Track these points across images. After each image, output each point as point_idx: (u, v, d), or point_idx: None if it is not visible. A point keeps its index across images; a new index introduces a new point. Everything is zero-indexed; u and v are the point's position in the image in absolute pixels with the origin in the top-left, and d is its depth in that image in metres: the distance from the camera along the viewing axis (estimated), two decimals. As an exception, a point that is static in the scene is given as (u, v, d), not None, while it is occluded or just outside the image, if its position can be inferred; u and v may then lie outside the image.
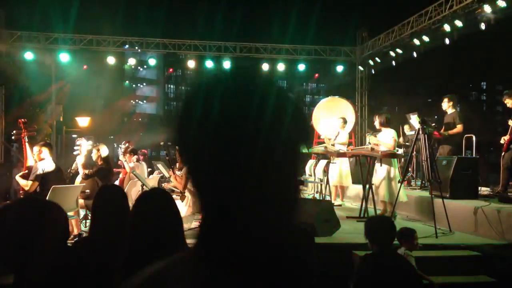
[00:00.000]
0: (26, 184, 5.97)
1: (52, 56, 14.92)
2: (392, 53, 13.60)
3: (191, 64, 15.25)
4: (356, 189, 9.09)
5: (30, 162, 6.29)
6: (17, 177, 6.20)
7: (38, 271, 1.51)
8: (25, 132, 6.50)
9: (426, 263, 4.78)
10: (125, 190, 5.36)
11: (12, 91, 15.42)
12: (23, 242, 1.48)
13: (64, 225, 1.62)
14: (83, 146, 6.97)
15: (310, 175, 10.07)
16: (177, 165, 8.53)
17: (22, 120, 6.66)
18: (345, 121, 9.14)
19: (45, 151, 6.18)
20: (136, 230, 2.11)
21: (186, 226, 6.74)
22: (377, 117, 7.39)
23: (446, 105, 8.31)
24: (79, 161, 6.96)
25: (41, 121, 15.72)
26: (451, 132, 7.98)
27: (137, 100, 47.30)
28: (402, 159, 9.83)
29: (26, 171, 6.20)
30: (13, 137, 14.02)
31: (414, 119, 8.70)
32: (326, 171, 8.69)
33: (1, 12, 13.67)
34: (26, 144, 6.47)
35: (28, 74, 15.14)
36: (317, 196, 9.36)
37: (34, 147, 6.28)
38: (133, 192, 7.38)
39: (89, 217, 7.08)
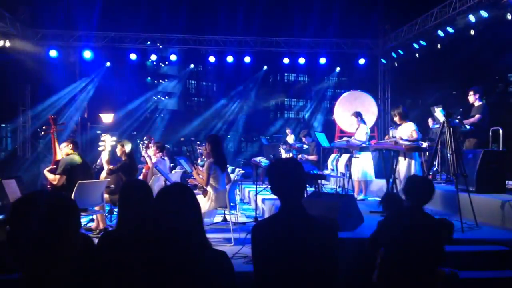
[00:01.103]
0: (54, 178, 6.09)
1: (76, 54, 15.19)
2: (415, 45, 13.38)
3: (212, 59, 15.31)
4: (379, 183, 9.00)
5: (59, 157, 6.42)
6: (45, 172, 6.33)
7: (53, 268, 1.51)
8: (54, 128, 6.63)
9: (452, 257, 4.72)
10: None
11: (37, 89, 15.75)
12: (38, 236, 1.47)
13: (77, 220, 1.62)
14: (107, 142, 7.08)
15: (333, 170, 10.03)
16: (199, 160, 8.60)
17: (52, 116, 6.80)
18: (357, 115, 8.99)
19: (72, 148, 6.30)
20: (156, 223, 2.13)
21: (208, 220, 6.81)
22: (393, 112, 7.32)
23: (473, 98, 8.15)
24: (104, 157, 7.07)
25: (66, 118, 16.02)
26: (466, 122, 7.82)
27: (159, 96, 47.69)
28: (427, 152, 9.70)
29: (54, 166, 6.33)
30: (42, 133, 14.36)
31: (439, 112, 8.56)
32: (348, 166, 8.62)
33: (26, 11, 13.93)
34: (55, 139, 6.60)
35: (53, 72, 15.43)
36: (339, 190, 9.31)
37: (62, 144, 6.41)
38: (156, 187, 7.46)
39: (114, 212, 7.21)
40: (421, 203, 3.54)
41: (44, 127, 7.04)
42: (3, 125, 22.14)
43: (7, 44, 12.95)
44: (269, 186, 2.49)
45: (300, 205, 2.36)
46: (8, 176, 6.82)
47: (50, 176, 6.17)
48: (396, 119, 7.21)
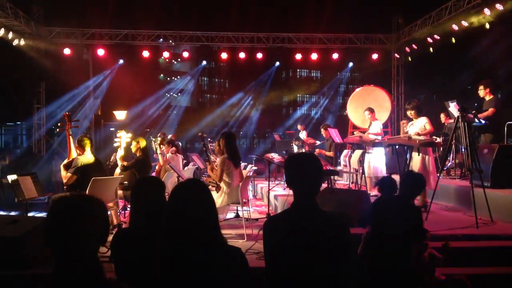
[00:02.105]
0: (65, 176, 6.16)
1: (89, 51, 15.31)
2: (429, 40, 13.23)
3: (224, 56, 15.32)
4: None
5: (73, 154, 6.48)
6: (62, 166, 6.39)
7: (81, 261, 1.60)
8: (69, 125, 6.68)
9: (467, 253, 4.68)
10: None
11: (51, 86, 15.92)
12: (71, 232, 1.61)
13: (105, 219, 1.76)
14: (123, 138, 7.13)
15: (345, 166, 9.98)
16: (212, 156, 8.63)
17: (67, 113, 6.85)
18: (371, 111, 8.92)
19: (87, 143, 6.35)
20: (173, 219, 2.14)
21: (221, 216, 6.82)
22: (407, 107, 7.21)
23: (483, 92, 8.04)
24: (118, 153, 7.12)
25: (80, 115, 16.18)
26: (480, 115, 7.71)
27: (171, 93, 47.92)
28: (440, 148, 9.60)
29: (71, 159, 6.39)
30: (57, 130, 14.48)
31: (453, 107, 8.46)
32: (361, 161, 8.57)
33: (40, 10, 14.08)
34: (70, 136, 6.66)
35: (67, 69, 15.58)
36: (352, 186, 9.26)
37: (79, 138, 6.46)
38: (169, 183, 7.51)
39: (128, 208, 7.27)
40: (411, 196, 3.88)
41: (59, 124, 7.12)
42: (18, 122, 22.46)
43: (22, 42, 13.11)
44: (285, 179, 2.50)
45: (314, 201, 2.35)
46: (24, 173, 6.90)
47: (63, 174, 6.24)
48: (411, 113, 7.08)
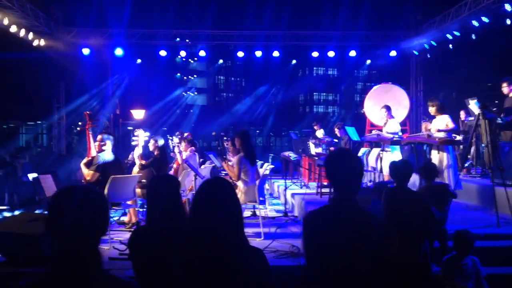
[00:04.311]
0: (87, 174, 6.23)
1: (108, 51, 15.48)
2: (449, 36, 13.03)
3: (240, 54, 15.34)
4: (412, 178, 8.81)
5: (93, 152, 6.55)
6: (82, 164, 6.47)
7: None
8: (90, 124, 6.76)
9: (488, 252, 4.60)
10: (179, 180, 5.47)
11: (71, 86, 16.14)
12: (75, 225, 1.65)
13: (105, 211, 1.80)
14: (141, 137, 7.19)
15: (363, 164, 9.89)
16: (229, 155, 8.64)
17: (88, 112, 6.92)
18: (387, 109, 8.77)
19: (108, 142, 6.42)
20: (196, 217, 2.14)
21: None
22: (430, 103, 7.10)
23: (507, 89, 7.88)
24: (136, 152, 7.18)
25: (99, 114, 16.37)
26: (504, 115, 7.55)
27: (188, 92, 48.20)
28: (460, 146, 9.45)
29: (90, 157, 6.46)
30: (78, 128, 14.65)
31: (474, 104, 8.31)
32: (379, 159, 8.49)
33: (59, 11, 14.26)
34: (90, 135, 6.73)
35: (86, 69, 15.77)
36: (370, 185, 9.18)
37: (98, 136, 6.53)
38: (186, 181, 7.54)
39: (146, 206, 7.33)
40: (402, 183, 3.98)
41: (79, 123, 7.21)
42: (39, 122, 22.83)
43: (42, 43, 13.31)
44: (326, 175, 2.51)
45: (354, 197, 2.33)
46: (44, 171, 7.01)
47: (85, 171, 6.31)
48: (433, 110, 6.96)
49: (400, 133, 8.40)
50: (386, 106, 8.79)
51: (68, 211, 1.65)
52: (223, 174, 8.99)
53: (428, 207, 3.86)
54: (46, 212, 6.39)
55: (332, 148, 10.64)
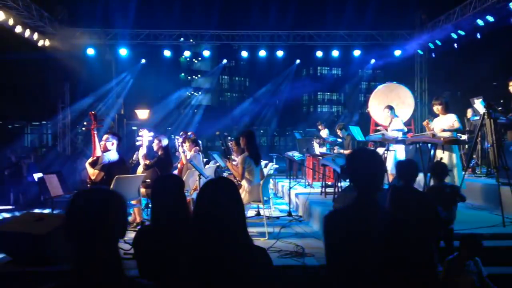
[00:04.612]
0: (93, 173, 6.25)
1: (112, 51, 15.52)
2: (453, 35, 12.98)
3: (244, 54, 15.33)
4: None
5: (98, 152, 6.57)
6: (87, 164, 6.49)
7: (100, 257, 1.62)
8: (95, 124, 6.77)
9: (493, 252, 4.58)
10: (183, 180, 5.48)
11: (76, 86, 16.19)
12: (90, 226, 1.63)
13: (124, 212, 1.77)
14: (145, 137, 7.20)
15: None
16: (233, 155, 8.64)
17: (93, 112, 6.93)
18: (390, 108, 8.75)
19: (114, 141, 6.43)
20: (199, 217, 2.14)
21: (243, 214, 6.84)
22: (436, 102, 7.06)
23: (513, 89, 7.83)
24: (141, 152, 7.19)
25: (104, 114, 16.42)
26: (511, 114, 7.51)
27: (192, 92, 48.26)
28: (466, 145, 9.40)
29: (95, 157, 6.48)
30: (83, 128, 14.68)
31: (479, 104, 8.27)
32: (384, 159, 8.46)
33: (64, 11, 14.31)
34: (95, 135, 6.75)
35: (90, 69, 15.82)
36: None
37: (104, 135, 6.54)
38: (191, 181, 7.55)
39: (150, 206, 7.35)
40: (409, 183, 3.93)
41: (85, 123, 7.22)
42: (44, 122, 22.92)
43: (47, 43, 13.36)
44: (348, 174, 2.49)
45: (375, 197, 2.32)
46: (49, 171, 7.04)
47: (90, 171, 6.33)
48: (439, 109, 6.93)
49: (405, 129, 8.38)
50: (388, 106, 8.78)
51: (87, 214, 1.64)
52: (227, 174, 8.99)
53: (434, 207, 3.85)
54: (52, 212, 6.42)
55: (336, 148, 10.61)
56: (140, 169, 7.25)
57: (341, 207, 2.44)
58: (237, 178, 6.46)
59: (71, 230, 1.65)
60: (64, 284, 1.61)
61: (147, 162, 7.14)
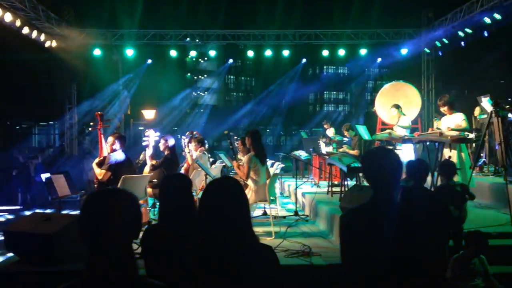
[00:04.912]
0: (100, 173, 6.28)
1: (119, 52, 15.58)
2: (460, 33, 12.90)
3: (250, 54, 15.33)
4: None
5: (105, 153, 6.60)
6: (94, 164, 6.52)
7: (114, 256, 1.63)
8: (101, 124, 6.80)
9: (501, 252, 4.55)
10: (190, 179, 5.48)
11: (82, 87, 16.27)
12: (100, 226, 1.64)
13: (138, 213, 1.78)
14: (151, 137, 7.22)
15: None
16: (239, 154, 8.65)
17: (99, 113, 6.97)
18: (397, 107, 8.72)
19: (118, 143, 6.45)
20: (204, 216, 2.14)
21: (249, 214, 6.84)
22: (439, 104, 7.03)
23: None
24: (147, 152, 7.22)
25: (110, 115, 16.50)
26: None
27: (198, 92, 48.33)
28: (473, 144, 9.34)
29: (102, 157, 6.51)
30: (90, 129, 14.75)
31: (486, 102, 8.22)
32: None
33: (70, 12, 14.38)
34: (102, 136, 6.78)
35: (97, 70, 15.90)
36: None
37: (109, 137, 6.57)
38: (197, 181, 7.56)
39: (157, 205, 7.36)
40: (419, 183, 3.96)
41: (91, 124, 7.26)
42: (51, 122, 23.06)
43: (54, 44, 13.43)
44: (363, 173, 2.48)
45: (392, 197, 2.31)
46: (57, 171, 7.07)
47: (97, 171, 6.35)
48: (445, 109, 6.89)
49: (409, 126, 8.37)
50: (395, 105, 8.74)
51: (101, 214, 1.65)
52: (233, 174, 8.99)
53: (446, 206, 3.84)
54: (59, 212, 6.45)
55: (344, 147, 10.58)
56: (147, 169, 7.27)
57: (358, 206, 2.42)
58: (242, 178, 6.46)
59: (85, 230, 1.66)
60: (77, 284, 1.62)
61: (154, 162, 7.16)
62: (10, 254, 5.24)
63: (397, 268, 2.19)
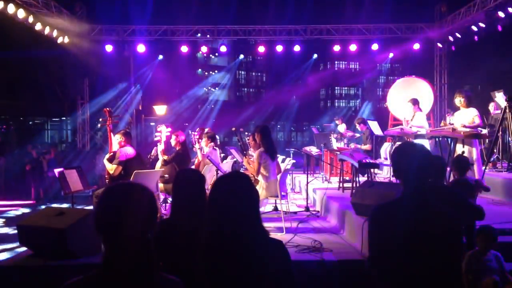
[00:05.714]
0: (111, 168, 6.32)
1: (130, 48, 15.63)
2: (474, 28, 12.73)
3: (261, 49, 15.29)
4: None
5: (114, 148, 6.64)
6: (104, 160, 6.57)
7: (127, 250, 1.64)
8: (110, 120, 6.85)
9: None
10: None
11: (94, 82, 16.37)
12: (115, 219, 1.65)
13: (154, 205, 1.78)
14: (163, 133, 7.25)
15: (386, 159, 9.78)
16: (250, 150, 8.64)
17: (108, 109, 7.01)
18: (414, 103, 8.55)
19: (124, 139, 6.49)
20: (213, 211, 2.14)
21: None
22: (458, 94, 6.92)
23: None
24: (159, 147, 7.25)
25: (122, 110, 16.60)
26: None
27: (209, 87, 48.40)
28: (486, 140, 9.24)
29: (112, 153, 6.55)
30: (99, 125, 14.88)
31: (500, 97, 8.12)
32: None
33: (82, 8, 14.46)
34: (111, 131, 6.83)
35: (109, 66, 15.98)
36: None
37: (116, 135, 6.62)
38: (208, 177, 7.57)
39: (168, 201, 7.41)
40: (438, 180, 3.90)
41: (100, 120, 7.30)
42: (64, 118, 23.28)
43: (66, 40, 13.52)
44: (393, 169, 2.47)
45: (424, 191, 2.30)
46: (69, 166, 7.14)
47: (108, 166, 6.40)
48: (461, 102, 6.79)
49: (427, 126, 8.22)
50: (412, 100, 8.55)
51: (118, 208, 1.66)
52: (243, 169, 9.00)
53: (466, 199, 3.86)
54: (72, 206, 6.52)
55: (354, 145, 10.53)
56: (158, 164, 7.31)
57: (388, 202, 2.40)
58: (253, 174, 6.46)
59: (102, 224, 1.67)
60: (94, 276, 1.64)
61: (166, 157, 7.20)
62: (24, 248, 5.31)
63: (419, 261, 2.18)
